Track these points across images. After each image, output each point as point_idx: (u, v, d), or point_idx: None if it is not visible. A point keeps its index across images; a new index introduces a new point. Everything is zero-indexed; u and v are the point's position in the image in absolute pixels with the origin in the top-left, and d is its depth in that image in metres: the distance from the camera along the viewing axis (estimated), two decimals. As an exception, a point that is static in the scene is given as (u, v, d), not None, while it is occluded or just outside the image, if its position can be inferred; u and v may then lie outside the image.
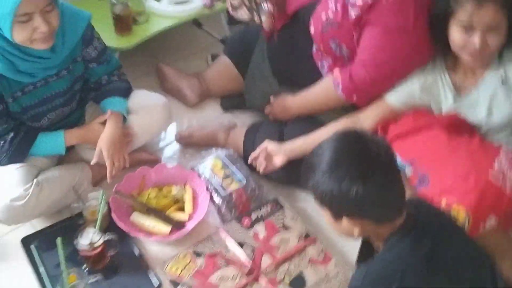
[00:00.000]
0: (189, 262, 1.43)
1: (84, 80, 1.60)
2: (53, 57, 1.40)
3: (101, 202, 1.45)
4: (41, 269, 1.38)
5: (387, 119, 1.47)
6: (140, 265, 1.45)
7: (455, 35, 1.26)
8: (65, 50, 1.43)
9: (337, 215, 1.00)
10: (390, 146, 1.03)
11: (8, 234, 1.49)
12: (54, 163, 1.57)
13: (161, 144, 1.87)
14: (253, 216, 1.56)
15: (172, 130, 1.90)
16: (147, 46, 2.09)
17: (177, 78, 2.03)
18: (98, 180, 1.65)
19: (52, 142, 1.47)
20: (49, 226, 1.53)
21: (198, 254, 1.45)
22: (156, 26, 2.04)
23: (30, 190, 1.40)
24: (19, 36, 1.27)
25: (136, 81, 2.04)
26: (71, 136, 1.51)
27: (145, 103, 1.66)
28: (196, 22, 2.42)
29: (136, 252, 1.48)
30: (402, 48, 1.39)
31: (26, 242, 1.47)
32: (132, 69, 2.13)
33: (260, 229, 1.52)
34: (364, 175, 0.93)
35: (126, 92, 1.65)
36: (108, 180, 1.53)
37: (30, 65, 1.36)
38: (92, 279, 1.33)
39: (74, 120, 1.65)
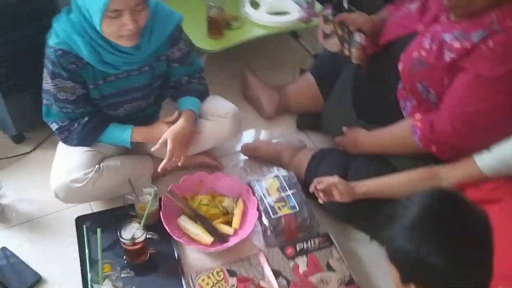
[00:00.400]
0: (221, 279, 1.40)
1: (165, 78, 1.64)
2: (137, 54, 1.45)
3: (152, 199, 1.48)
4: (86, 251, 1.44)
5: (471, 181, 1.28)
6: (175, 269, 1.45)
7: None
8: (150, 48, 1.48)
9: (405, 279, 0.86)
10: (489, 221, 0.87)
11: (66, 210, 1.58)
12: (121, 152, 1.62)
13: (226, 152, 1.86)
14: (298, 246, 1.49)
15: (240, 140, 1.89)
16: (237, 50, 2.09)
17: (259, 88, 2.01)
18: (157, 176, 1.68)
19: (120, 135, 1.52)
20: (102, 211, 1.59)
21: (232, 273, 1.42)
22: (250, 33, 2.04)
23: (90, 175, 1.46)
24: (107, 30, 1.33)
25: (219, 84, 2.08)
26: (138, 133, 1.54)
27: (217, 109, 1.66)
28: (293, 33, 2.39)
29: (176, 255, 1.48)
30: (495, 101, 1.23)
31: (79, 221, 1.55)
32: (217, 71, 2.17)
33: (302, 263, 1.45)
34: (450, 246, 0.80)
35: (202, 95, 1.66)
36: (159, 169, 1.54)
37: (115, 58, 1.42)
38: (125, 273, 1.35)
39: (149, 114, 1.70)
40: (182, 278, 1.42)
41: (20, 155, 1.78)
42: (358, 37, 1.52)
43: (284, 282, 1.40)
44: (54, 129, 1.51)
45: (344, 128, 1.60)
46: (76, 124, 1.50)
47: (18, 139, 1.82)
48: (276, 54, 2.35)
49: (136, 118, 1.66)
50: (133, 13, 1.31)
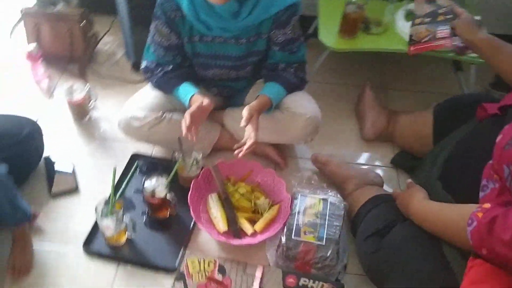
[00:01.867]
0: (209, 271, 1.34)
1: (263, 57, 1.58)
2: (232, 22, 1.42)
3: (191, 164, 1.48)
4: (124, 183, 1.52)
5: None
6: (181, 240, 1.44)
7: None
8: (249, 21, 1.43)
9: None
10: None
11: (130, 144, 1.68)
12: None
13: (297, 153, 1.74)
14: (302, 281, 1.33)
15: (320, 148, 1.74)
16: (366, 57, 1.90)
17: (370, 106, 1.81)
18: (221, 148, 1.67)
19: (184, 95, 1.52)
20: (156, 158, 1.66)
21: (221, 270, 1.34)
22: (393, 44, 1.79)
23: (149, 119, 1.52)
24: None
25: (331, 85, 1.95)
26: (193, 102, 1.50)
27: (297, 107, 1.54)
28: (455, 63, 2.03)
29: (190, 227, 1.47)
30: None
31: (133, 158, 1.65)
32: (336, 73, 2.03)
33: (296, 299, 1.30)
34: None
35: (292, 87, 1.56)
36: (235, 146, 1.46)
37: (210, 18, 1.42)
38: (134, 221, 1.40)
39: (238, 88, 1.67)
40: (181, 250, 1.40)
41: (134, 82, 1.95)
42: None
43: (265, 308, 1.27)
44: (142, 66, 1.59)
45: (408, 181, 1.34)
46: (160, 69, 1.55)
47: (137, 67, 1.99)
48: (414, 76, 2.07)
49: (224, 87, 1.66)
50: None
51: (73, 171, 1.61)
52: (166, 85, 1.56)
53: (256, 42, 1.52)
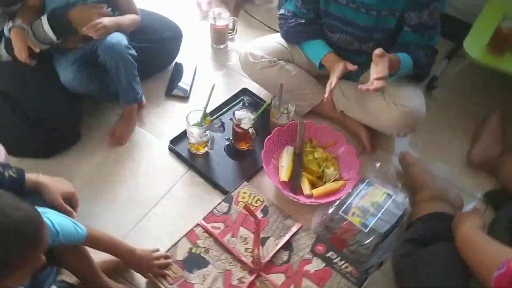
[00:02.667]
0: (255, 206, 1.44)
1: (390, 35, 1.56)
2: None
3: (282, 113, 1.59)
4: (225, 108, 1.70)
5: None
6: (247, 173, 1.57)
7: None
8: None
9: None
10: None
11: (247, 80, 1.82)
12: (311, 72, 1.71)
13: (386, 146, 1.71)
14: (330, 253, 1.36)
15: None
16: (510, 80, 1.73)
17: (490, 131, 1.67)
18: (317, 113, 1.73)
19: (317, 50, 1.60)
20: (258, 97, 1.80)
21: (264, 211, 1.44)
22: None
23: (263, 60, 1.64)
24: None
25: (461, 97, 1.84)
26: (328, 59, 1.58)
27: (403, 98, 1.52)
28: None
29: (259, 166, 1.58)
30: None
31: (243, 91, 1.81)
32: (470, 85, 1.90)
33: (314, 265, 1.34)
34: None
35: (419, 66, 1.52)
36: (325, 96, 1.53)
37: None
38: (213, 138, 1.56)
39: (356, 62, 1.68)
40: (242, 181, 1.53)
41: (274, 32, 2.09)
42: None
43: (281, 260, 1.35)
44: (279, 12, 1.70)
45: (476, 206, 1.25)
46: (293, 20, 1.64)
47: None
48: None
49: (344, 57, 1.68)
50: None
51: (191, 84, 1.82)
52: (294, 35, 1.64)
53: (386, 18, 1.50)
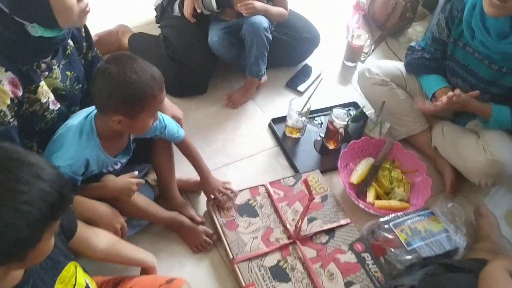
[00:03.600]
0: (316, 192, 1.59)
1: (505, 94, 1.59)
2: (495, 40, 1.47)
3: (375, 125, 1.72)
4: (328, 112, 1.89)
5: None
6: (325, 166, 1.72)
7: None
8: (509, 47, 1.46)
9: None
10: None
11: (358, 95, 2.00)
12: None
13: (469, 193, 1.72)
14: (364, 255, 1.44)
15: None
16: None
17: None
18: (409, 141, 1.81)
19: (433, 83, 1.70)
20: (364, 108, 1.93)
21: (323, 199, 1.57)
22: None
23: (376, 78, 1.77)
24: None
25: None
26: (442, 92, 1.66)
27: (494, 145, 1.54)
28: None
29: (336, 165, 1.71)
30: None
31: (349, 104, 1.96)
32: None
33: (346, 257, 1.43)
34: None
35: None
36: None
37: (477, 28, 1.50)
38: (306, 126, 1.76)
39: (466, 113, 1.72)
40: (317, 170, 1.68)
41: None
42: None
43: (323, 240, 1.46)
44: (409, 44, 1.82)
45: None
46: (420, 53, 1.75)
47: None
48: None
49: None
50: None
51: (310, 84, 2.05)
52: (416, 66, 1.75)
53: (506, 75, 1.54)
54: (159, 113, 1.31)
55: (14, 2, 1.01)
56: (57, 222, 0.74)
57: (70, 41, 1.25)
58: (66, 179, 0.75)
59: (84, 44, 1.34)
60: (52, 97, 1.21)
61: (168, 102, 1.50)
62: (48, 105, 1.20)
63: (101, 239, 1.12)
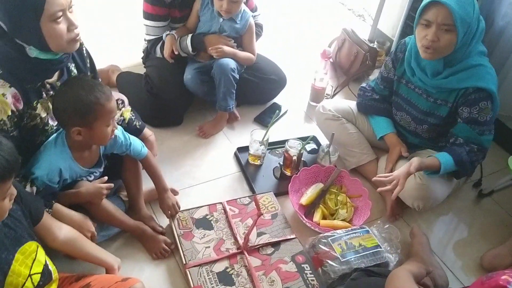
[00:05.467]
0: (267, 209, 1.79)
1: (441, 124, 1.79)
2: (429, 79, 1.70)
3: (325, 154, 1.93)
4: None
5: None
6: (280, 189, 1.93)
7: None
8: (440, 82, 1.69)
9: None
10: None
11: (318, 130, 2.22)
12: (369, 139, 2.03)
13: (409, 217, 1.89)
14: (304, 266, 1.61)
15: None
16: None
17: (508, 250, 1.73)
18: (360, 172, 2.02)
19: (380, 127, 1.95)
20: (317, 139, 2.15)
21: (273, 216, 1.77)
22: None
23: (329, 114, 2.01)
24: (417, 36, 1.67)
25: (501, 208, 1.92)
26: (389, 138, 1.92)
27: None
28: None
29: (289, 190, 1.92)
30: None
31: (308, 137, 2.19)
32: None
33: (285, 268, 1.60)
34: None
35: (461, 164, 1.68)
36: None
37: (416, 67, 1.73)
38: (265, 154, 1.98)
39: (410, 142, 1.94)
40: (271, 192, 1.89)
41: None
42: None
43: (269, 251, 1.65)
44: (360, 85, 2.07)
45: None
46: (370, 94, 1.99)
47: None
48: None
49: (401, 134, 1.96)
50: (438, 31, 1.56)
51: (276, 120, 2.26)
52: (366, 107, 1.99)
53: (440, 106, 1.75)
54: (124, 133, 1.55)
55: (12, 27, 1.24)
56: (5, 185, 0.96)
57: (74, 69, 1.49)
58: (17, 156, 0.99)
59: (89, 74, 1.58)
60: (51, 113, 1.41)
61: (153, 140, 1.83)
62: (48, 120, 1.42)
63: (63, 232, 1.32)
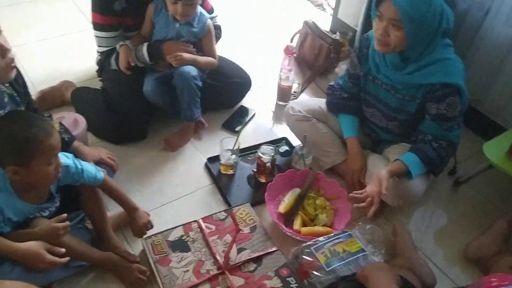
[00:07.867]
0: (245, 223, 1.71)
1: (410, 120, 1.75)
2: (395, 73, 1.66)
3: (299, 158, 1.86)
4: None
5: None
6: (255, 199, 1.85)
7: None
8: (406, 78, 1.65)
9: None
10: None
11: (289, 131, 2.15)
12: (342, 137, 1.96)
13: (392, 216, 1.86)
14: (289, 279, 1.54)
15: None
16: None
17: (494, 233, 1.72)
18: (336, 172, 1.97)
19: (347, 128, 1.89)
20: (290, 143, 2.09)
21: (252, 229, 1.69)
22: None
23: (299, 114, 1.95)
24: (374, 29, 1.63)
25: (479, 195, 1.92)
26: (350, 141, 1.88)
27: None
28: None
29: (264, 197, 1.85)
30: None
31: (279, 140, 2.12)
32: (492, 186, 2.00)
33: (271, 284, 1.53)
34: None
35: (429, 161, 1.66)
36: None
37: (380, 62, 1.70)
38: (237, 163, 1.90)
39: (383, 138, 1.90)
40: (248, 203, 1.81)
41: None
42: None
43: (251, 268, 1.57)
44: (329, 84, 2.01)
45: None
46: (339, 92, 1.93)
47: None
48: None
49: (372, 130, 1.92)
50: (388, 26, 1.53)
51: (245, 124, 2.19)
52: (335, 106, 1.93)
53: (408, 102, 1.71)
54: (74, 159, 1.42)
55: None
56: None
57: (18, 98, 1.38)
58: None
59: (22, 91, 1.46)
60: None
61: (86, 149, 1.66)
62: None
63: None
